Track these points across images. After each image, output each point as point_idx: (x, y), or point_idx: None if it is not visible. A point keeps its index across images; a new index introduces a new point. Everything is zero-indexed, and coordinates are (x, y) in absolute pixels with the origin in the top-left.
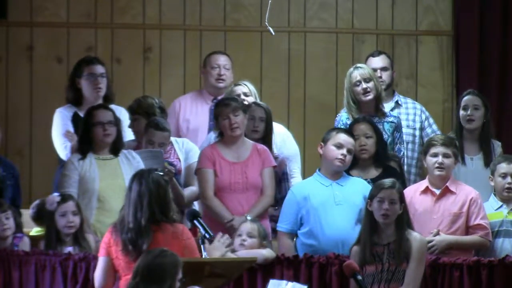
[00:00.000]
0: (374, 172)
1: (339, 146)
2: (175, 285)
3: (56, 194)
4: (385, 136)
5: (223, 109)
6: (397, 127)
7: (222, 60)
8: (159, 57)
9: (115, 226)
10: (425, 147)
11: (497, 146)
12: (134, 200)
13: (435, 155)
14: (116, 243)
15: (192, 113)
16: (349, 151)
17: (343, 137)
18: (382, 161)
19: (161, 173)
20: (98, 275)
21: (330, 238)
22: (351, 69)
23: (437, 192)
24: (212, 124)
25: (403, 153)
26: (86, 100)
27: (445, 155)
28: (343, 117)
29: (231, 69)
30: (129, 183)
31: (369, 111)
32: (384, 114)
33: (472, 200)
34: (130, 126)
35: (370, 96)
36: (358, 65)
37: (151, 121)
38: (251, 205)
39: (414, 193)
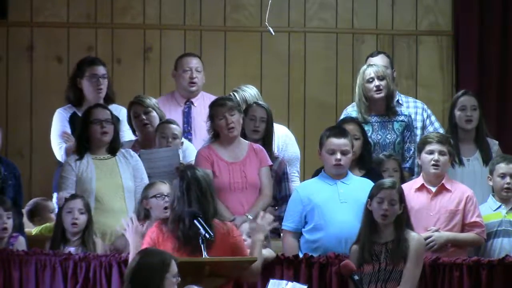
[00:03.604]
0: (357, 173)
1: (332, 152)
2: (165, 283)
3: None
4: (393, 136)
5: (218, 109)
6: (408, 126)
7: (194, 63)
8: (159, 57)
9: (165, 223)
10: (420, 144)
11: (494, 145)
12: (190, 197)
13: (431, 152)
14: (167, 240)
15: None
16: (343, 152)
17: (334, 142)
18: (366, 163)
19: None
20: None
21: (334, 235)
22: (365, 66)
23: (433, 189)
24: (187, 127)
25: (413, 152)
26: (87, 100)
27: (441, 153)
28: (352, 115)
29: (202, 71)
30: (178, 180)
31: (379, 109)
32: (395, 113)
33: (468, 198)
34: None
35: (381, 94)
36: (372, 63)
37: (161, 120)
38: (251, 204)
39: (409, 190)
